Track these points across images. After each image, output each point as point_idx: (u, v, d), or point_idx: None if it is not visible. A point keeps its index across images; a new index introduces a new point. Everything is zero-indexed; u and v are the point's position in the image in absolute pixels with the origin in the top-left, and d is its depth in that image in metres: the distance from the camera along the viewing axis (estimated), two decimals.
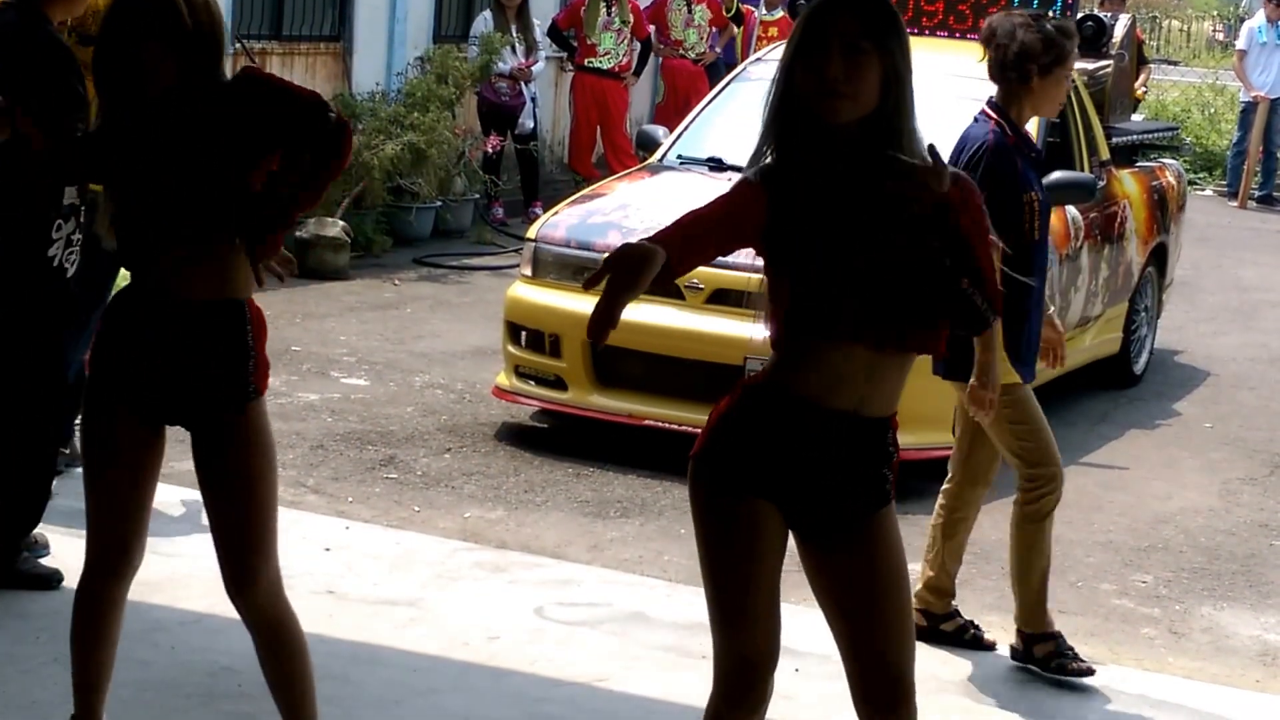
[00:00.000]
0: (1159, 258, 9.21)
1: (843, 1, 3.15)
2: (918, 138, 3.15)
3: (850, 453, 3.17)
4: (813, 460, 3.17)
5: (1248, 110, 16.64)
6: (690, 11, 13.98)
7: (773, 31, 14.06)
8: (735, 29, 14.69)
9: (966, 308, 3.10)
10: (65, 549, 5.40)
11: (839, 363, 3.13)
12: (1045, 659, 4.94)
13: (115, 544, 3.72)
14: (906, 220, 3.06)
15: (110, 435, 3.68)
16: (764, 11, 14.82)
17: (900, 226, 3.07)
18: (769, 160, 3.23)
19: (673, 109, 13.72)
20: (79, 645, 3.74)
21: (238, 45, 11.06)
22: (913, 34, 9.53)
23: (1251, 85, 16.47)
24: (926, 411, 6.35)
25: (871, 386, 3.15)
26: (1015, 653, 5.03)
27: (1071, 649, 4.95)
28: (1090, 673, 4.91)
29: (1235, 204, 16.61)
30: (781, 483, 3.19)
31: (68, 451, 5.65)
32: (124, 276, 3.81)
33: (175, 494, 6.04)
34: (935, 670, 4.90)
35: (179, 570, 5.26)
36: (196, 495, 6.00)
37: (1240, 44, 17.10)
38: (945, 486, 5.18)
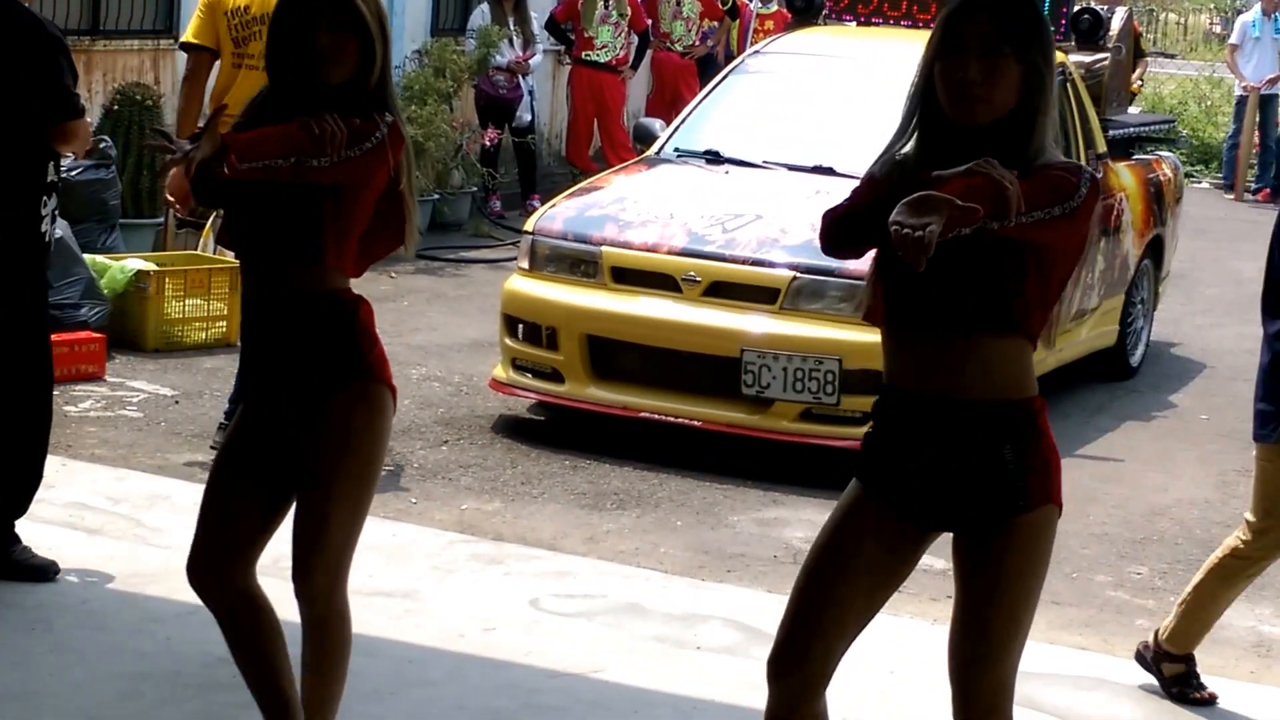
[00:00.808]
0: (1155, 250, 9.22)
1: (983, 2, 3.14)
2: (1051, 147, 3.14)
3: (953, 438, 3.15)
4: (920, 452, 3.18)
5: (1242, 103, 16.67)
6: (679, 4, 13.98)
7: (769, 25, 14.08)
8: (731, 22, 14.69)
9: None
10: (65, 542, 5.42)
11: (914, 347, 3.18)
12: (1171, 679, 4.85)
13: (196, 551, 3.70)
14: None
15: (236, 435, 3.69)
16: (760, 4, 14.83)
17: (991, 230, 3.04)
18: (897, 155, 3.23)
19: (661, 102, 13.74)
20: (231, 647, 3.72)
21: None
22: (877, 24, 9.55)
23: (1243, 76, 16.51)
24: None
25: (955, 366, 3.14)
26: (1141, 659, 4.95)
27: (1198, 676, 4.85)
28: (1210, 702, 4.82)
29: (1231, 196, 16.63)
30: (899, 478, 3.19)
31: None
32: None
33: (172, 486, 6.07)
34: (938, 663, 4.90)
35: (175, 561, 5.25)
36: (196, 487, 6.05)
37: (1233, 38, 17.13)
38: (1247, 531, 4.86)
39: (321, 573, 3.63)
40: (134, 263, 8.21)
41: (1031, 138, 3.13)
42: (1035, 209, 2.99)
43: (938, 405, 3.16)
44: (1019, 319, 3.14)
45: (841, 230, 3.21)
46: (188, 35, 6.73)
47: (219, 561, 3.66)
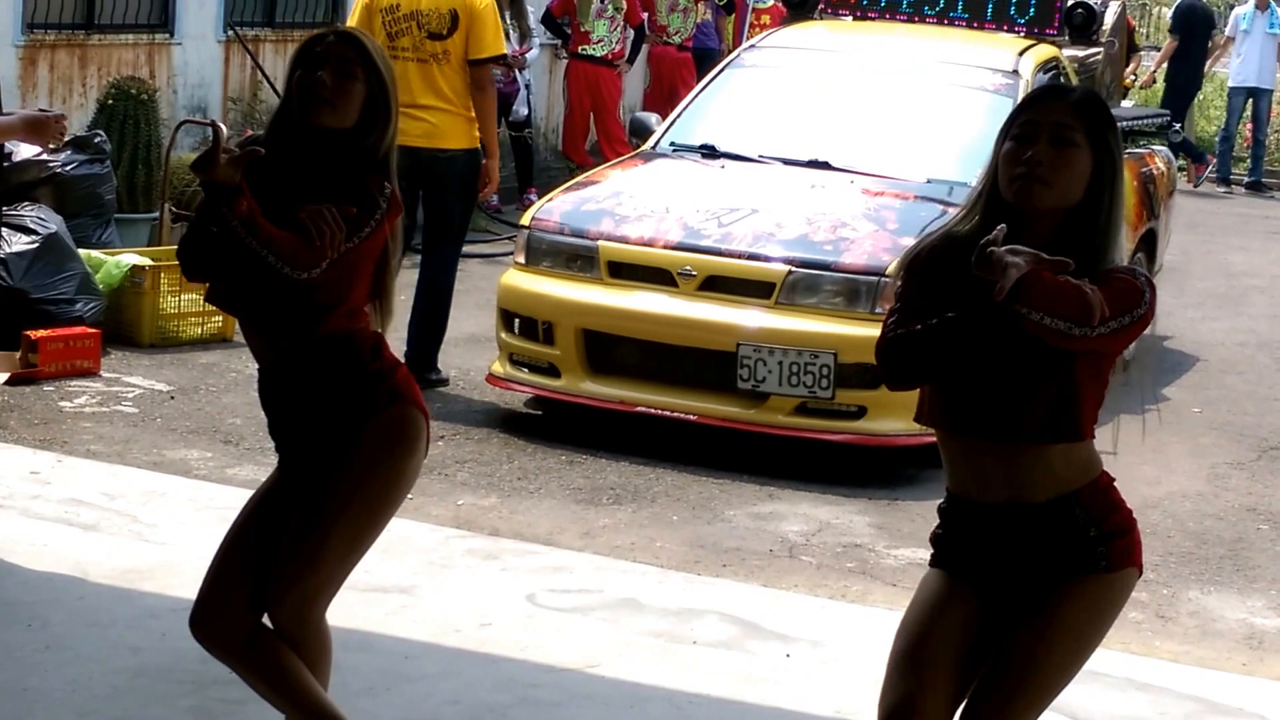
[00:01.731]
0: (1148, 244, 9.24)
1: (1060, 92, 3.14)
2: (1120, 247, 3.10)
3: (1027, 539, 3.12)
4: (993, 551, 3.15)
5: (1234, 95, 16.71)
6: None
7: (765, 19, 14.07)
8: (727, 16, 14.69)
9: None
10: (60, 538, 5.43)
11: (973, 457, 3.12)
12: None
13: (201, 603, 3.60)
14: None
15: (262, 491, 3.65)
16: None
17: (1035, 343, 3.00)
18: (949, 228, 3.18)
19: (658, 96, 13.74)
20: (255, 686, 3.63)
21: (230, 33, 11.07)
22: (873, 19, 9.51)
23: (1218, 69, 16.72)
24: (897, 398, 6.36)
25: (1019, 475, 3.10)
26: None
27: None
28: None
29: (1224, 189, 16.65)
30: (980, 572, 3.17)
31: None
32: None
33: (167, 482, 6.08)
34: None
35: (171, 558, 5.28)
36: (192, 483, 6.07)
37: (1227, 30, 17.18)
38: None
39: (296, 585, 3.52)
40: (129, 258, 8.22)
41: (1105, 244, 3.08)
42: (1111, 319, 2.98)
43: (1008, 512, 3.13)
44: (1083, 427, 3.11)
45: (903, 349, 3.08)
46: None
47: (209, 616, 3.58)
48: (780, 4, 11.68)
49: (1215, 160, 16.87)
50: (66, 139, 8.86)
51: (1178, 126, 10.81)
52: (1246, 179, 16.88)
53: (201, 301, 8.16)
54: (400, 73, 6.59)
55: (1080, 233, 3.09)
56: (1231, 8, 18.69)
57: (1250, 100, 16.60)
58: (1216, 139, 17.19)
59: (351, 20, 7.56)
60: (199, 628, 3.59)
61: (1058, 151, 3.07)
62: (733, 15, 14.75)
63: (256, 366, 3.66)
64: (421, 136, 7.38)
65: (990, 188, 3.15)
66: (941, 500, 3.28)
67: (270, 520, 3.59)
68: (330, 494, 3.53)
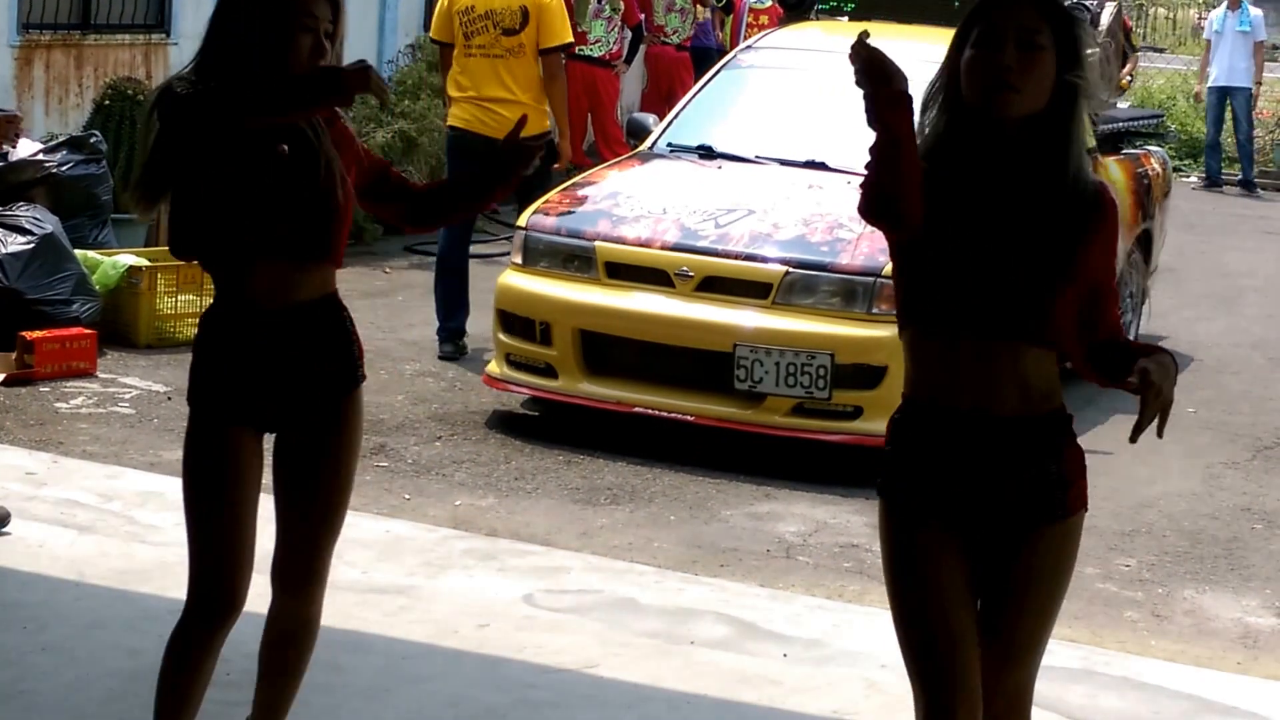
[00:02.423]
0: (1144, 244, 9.25)
1: None
2: (1083, 151, 3.09)
3: (989, 454, 3.10)
4: (956, 465, 3.12)
5: (1211, 97, 16.79)
6: None
7: (763, 19, 14.07)
8: (725, 17, 14.69)
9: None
10: (56, 539, 5.43)
11: (946, 356, 3.10)
12: None
13: (213, 595, 3.51)
14: (1036, 231, 3.04)
15: (231, 458, 3.50)
16: None
17: (1028, 233, 3.04)
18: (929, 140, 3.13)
19: (656, 96, 13.74)
20: (166, 692, 3.56)
21: None
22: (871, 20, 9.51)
23: (1206, 75, 16.73)
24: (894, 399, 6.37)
25: (986, 381, 3.07)
26: None
27: None
28: None
29: (1216, 191, 16.69)
30: (944, 499, 3.12)
31: None
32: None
33: (164, 483, 6.07)
34: None
35: (168, 559, 5.28)
36: None
37: (1205, 33, 17.26)
38: None
39: (321, 577, 3.62)
40: (126, 258, 8.22)
41: (1069, 150, 3.06)
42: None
43: (974, 421, 3.10)
44: (1054, 334, 3.09)
45: (880, 192, 3.02)
46: (433, 34, 8.68)
47: (243, 580, 3.54)
48: (778, 4, 11.70)
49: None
50: (62, 139, 8.90)
51: (1172, 128, 10.82)
52: (1238, 179, 16.91)
53: (199, 302, 8.17)
54: (477, 69, 8.20)
55: (1048, 135, 3.07)
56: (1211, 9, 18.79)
57: (1228, 100, 16.63)
58: (1206, 145, 17.21)
59: (434, 22, 8.52)
60: (232, 610, 3.52)
61: (1026, 56, 3.02)
62: (731, 15, 14.75)
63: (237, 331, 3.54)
64: (498, 129, 7.61)
65: (951, 93, 3.10)
66: (895, 412, 3.21)
67: (253, 495, 3.54)
68: (321, 486, 3.56)
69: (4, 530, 5.34)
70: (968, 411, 3.10)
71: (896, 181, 2.97)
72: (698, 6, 14.11)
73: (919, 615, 3.13)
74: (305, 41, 3.43)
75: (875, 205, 3.01)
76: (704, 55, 13.89)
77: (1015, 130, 3.07)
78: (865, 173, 3.03)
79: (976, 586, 3.19)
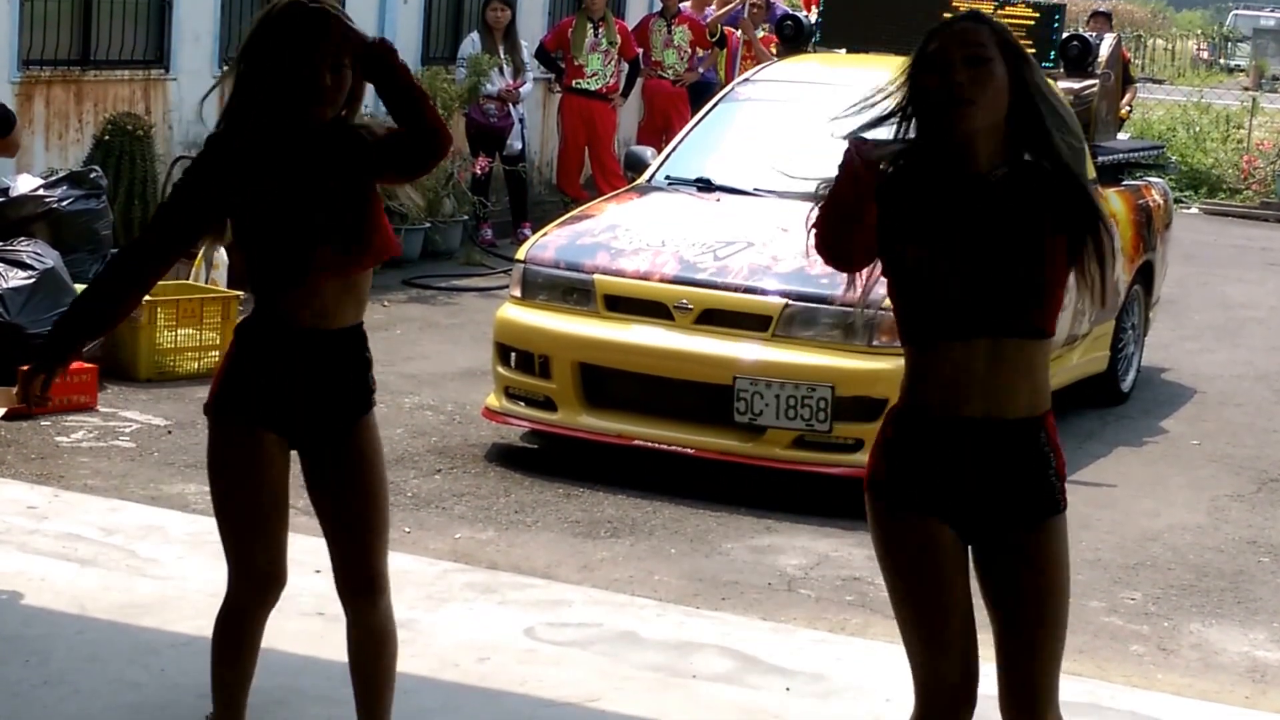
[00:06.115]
0: (1145, 276, 9.25)
1: (956, 20, 3.23)
2: (1065, 134, 3.19)
3: (997, 459, 3.22)
4: (963, 471, 3.23)
5: None
6: (670, 32, 14.04)
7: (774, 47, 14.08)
8: (719, 51, 14.72)
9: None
10: (58, 573, 5.40)
11: (958, 365, 3.19)
12: None
13: (263, 574, 3.73)
14: (1022, 226, 3.15)
15: (257, 447, 3.69)
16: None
17: (1015, 231, 3.15)
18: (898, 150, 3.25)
19: (652, 130, 13.77)
20: (225, 665, 3.78)
21: (225, 68, 11.08)
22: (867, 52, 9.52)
23: None
24: None
25: (998, 386, 3.19)
26: None
27: None
28: None
29: None
30: (944, 498, 3.25)
31: None
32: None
33: (165, 516, 6.06)
34: None
35: (169, 592, 5.26)
36: (189, 518, 6.05)
37: None
38: None
39: (379, 582, 3.80)
40: None
41: (1050, 139, 3.17)
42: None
43: (984, 428, 3.21)
44: (1051, 323, 3.22)
45: (833, 232, 3.24)
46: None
47: (281, 554, 3.75)
48: (773, 35, 11.72)
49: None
50: (62, 174, 8.91)
51: (1173, 159, 10.83)
52: None
53: (199, 336, 8.18)
54: None
55: (1028, 144, 3.19)
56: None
57: None
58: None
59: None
60: (275, 583, 3.74)
61: (975, 71, 3.15)
62: (725, 49, 14.79)
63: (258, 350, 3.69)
64: None
65: (912, 115, 3.22)
66: (890, 418, 3.31)
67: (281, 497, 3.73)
68: (358, 490, 3.72)
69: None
70: (980, 419, 3.20)
71: (837, 235, 3.23)
72: (696, 48, 14.15)
73: (914, 591, 3.26)
74: (314, 81, 3.59)
75: (824, 254, 3.28)
76: (704, 89, 13.92)
77: (990, 150, 3.18)
78: (814, 221, 3.26)
79: (993, 589, 3.29)
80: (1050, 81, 3.30)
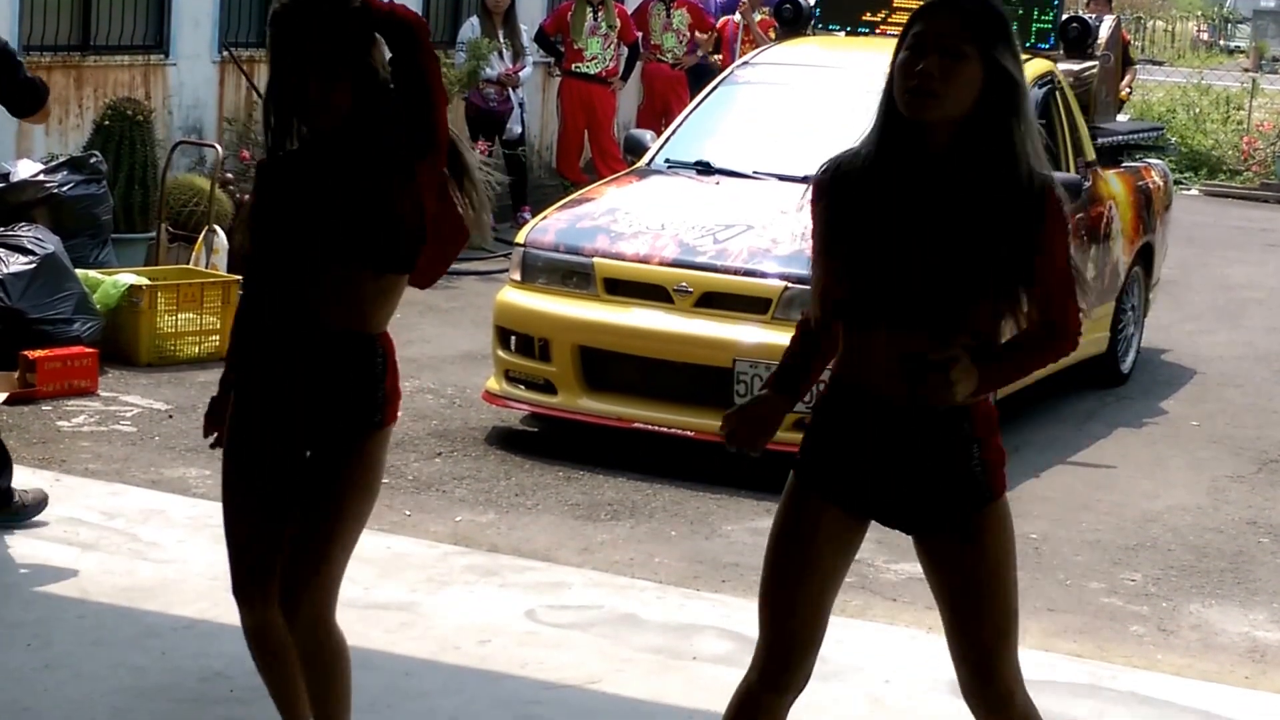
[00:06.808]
0: (1145, 257, 9.25)
1: (952, 4, 3.16)
2: (1038, 157, 3.13)
3: (915, 446, 3.21)
4: (879, 453, 3.22)
5: None
6: (669, 15, 14.02)
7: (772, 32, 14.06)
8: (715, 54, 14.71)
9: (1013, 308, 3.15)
10: (59, 557, 5.42)
11: (881, 351, 3.18)
12: None
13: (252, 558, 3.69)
14: (978, 229, 3.11)
15: (265, 463, 3.66)
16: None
17: (968, 232, 3.11)
18: (856, 148, 3.24)
19: (651, 113, 13.76)
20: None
21: (225, 53, 11.08)
22: (865, 34, 9.55)
23: None
24: None
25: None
26: None
27: None
28: None
29: None
30: (854, 485, 3.24)
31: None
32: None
33: (166, 500, 6.07)
34: (932, 672, 4.92)
35: (171, 576, 5.28)
36: (190, 501, 6.07)
37: None
38: None
39: (309, 605, 3.63)
40: (126, 277, 8.22)
41: (1011, 153, 3.12)
42: (1070, 307, 3.19)
43: (902, 410, 3.19)
44: (978, 325, 3.17)
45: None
46: None
47: (263, 579, 3.66)
48: (771, 19, 11.70)
49: None
50: (62, 159, 8.90)
51: (1173, 141, 10.83)
52: None
53: (199, 320, 8.18)
54: None
55: (980, 142, 3.14)
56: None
57: None
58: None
59: None
60: (285, 602, 3.64)
61: (946, 64, 3.11)
62: (719, 54, 14.75)
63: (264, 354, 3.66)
64: None
65: (889, 103, 3.19)
66: (822, 392, 3.35)
67: (266, 496, 3.66)
68: (326, 514, 3.60)
69: (39, 518, 5.59)
70: (904, 406, 3.18)
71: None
72: (695, 31, 14.13)
73: (780, 557, 3.30)
74: (319, 84, 3.53)
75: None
76: (703, 72, 13.91)
77: (944, 138, 3.15)
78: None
79: (932, 576, 3.29)
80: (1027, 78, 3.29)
